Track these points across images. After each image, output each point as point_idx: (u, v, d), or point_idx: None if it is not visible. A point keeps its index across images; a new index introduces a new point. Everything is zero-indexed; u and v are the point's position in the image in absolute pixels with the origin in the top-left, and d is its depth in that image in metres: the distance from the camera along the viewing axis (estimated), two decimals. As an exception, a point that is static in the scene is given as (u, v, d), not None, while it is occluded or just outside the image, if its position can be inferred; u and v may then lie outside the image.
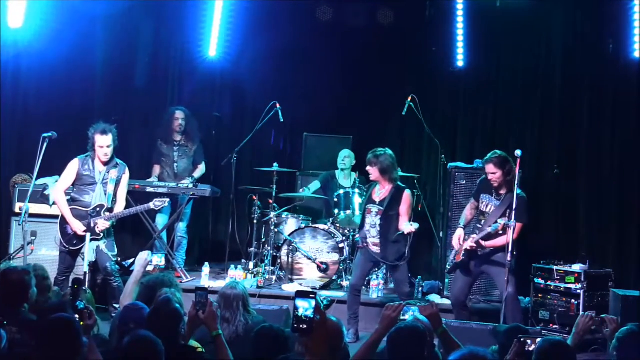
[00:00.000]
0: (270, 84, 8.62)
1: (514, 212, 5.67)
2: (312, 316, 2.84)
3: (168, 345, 3.28)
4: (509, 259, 5.71)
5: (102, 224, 6.16)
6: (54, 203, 7.01)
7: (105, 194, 6.26)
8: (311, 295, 2.88)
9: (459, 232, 6.13)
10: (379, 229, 6.25)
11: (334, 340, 3.20)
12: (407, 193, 6.29)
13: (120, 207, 6.36)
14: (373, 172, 6.28)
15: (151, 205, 6.47)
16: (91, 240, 6.11)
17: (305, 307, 2.86)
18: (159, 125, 8.07)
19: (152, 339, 3.18)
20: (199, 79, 8.76)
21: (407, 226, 6.04)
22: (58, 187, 6.39)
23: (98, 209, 6.23)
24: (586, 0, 8.16)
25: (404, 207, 6.23)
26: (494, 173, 5.91)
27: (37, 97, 8.02)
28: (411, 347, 3.29)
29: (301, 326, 2.86)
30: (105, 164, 6.32)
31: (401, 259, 6.21)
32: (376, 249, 6.30)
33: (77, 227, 6.18)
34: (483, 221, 6.03)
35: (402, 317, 3.57)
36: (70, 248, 6.24)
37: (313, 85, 8.85)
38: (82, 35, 8.10)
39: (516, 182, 5.79)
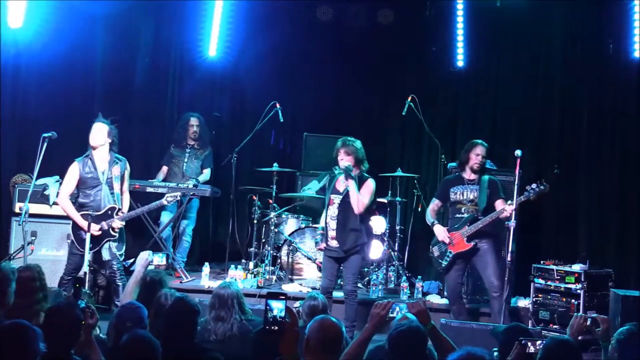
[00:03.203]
0: (270, 84, 8.61)
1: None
2: (283, 317, 2.82)
3: (184, 342, 3.27)
4: (509, 259, 5.76)
5: (117, 224, 6.07)
6: (54, 203, 7.02)
7: (113, 195, 6.13)
8: (282, 297, 2.86)
9: (441, 228, 6.21)
10: (337, 217, 6.01)
11: (334, 341, 3.20)
12: (370, 181, 6.05)
13: (126, 201, 6.26)
14: (348, 160, 5.96)
15: (163, 201, 6.43)
16: (106, 241, 6.07)
17: (279, 309, 2.84)
18: (173, 131, 8.18)
19: (149, 339, 3.18)
20: (199, 79, 8.76)
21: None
22: (62, 193, 6.20)
23: (110, 212, 6.08)
24: (586, 0, 8.16)
25: (364, 191, 5.95)
26: (484, 156, 6.26)
27: (37, 97, 8.02)
28: (412, 348, 3.27)
29: (272, 327, 2.84)
30: (106, 160, 6.16)
31: (356, 248, 5.98)
32: (335, 244, 6.02)
33: (92, 229, 5.96)
34: (463, 208, 6.19)
35: (390, 315, 3.55)
36: (85, 251, 6.04)
37: (313, 85, 8.86)
38: (82, 35, 8.11)
39: (516, 182, 6.04)
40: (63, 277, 6.10)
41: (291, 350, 2.86)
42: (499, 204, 6.13)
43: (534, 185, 5.98)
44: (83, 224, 5.99)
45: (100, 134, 6.18)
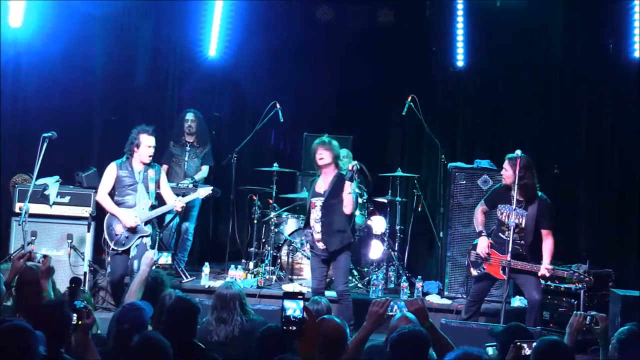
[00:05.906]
0: (270, 84, 8.60)
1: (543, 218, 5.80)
2: (301, 317, 2.82)
3: (184, 341, 3.26)
4: (508, 258, 5.72)
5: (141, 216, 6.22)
6: (54, 203, 7.04)
7: (148, 192, 6.31)
8: (299, 296, 2.85)
9: (485, 241, 5.92)
10: (321, 219, 5.91)
11: (337, 342, 3.19)
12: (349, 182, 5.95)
13: (169, 197, 6.44)
14: (326, 157, 5.91)
15: (175, 205, 6.46)
16: (140, 237, 6.20)
17: (293, 308, 2.83)
18: (172, 128, 8.21)
19: (160, 341, 3.17)
20: (199, 79, 8.76)
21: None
22: (100, 191, 6.36)
23: (144, 208, 6.27)
24: (586, 0, 8.16)
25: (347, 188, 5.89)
26: (506, 170, 5.83)
27: (37, 97, 8.02)
28: (415, 352, 3.26)
29: (290, 327, 2.83)
30: (144, 164, 6.33)
31: (342, 249, 5.92)
32: (321, 245, 5.95)
33: (128, 218, 6.17)
34: (507, 233, 5.78)
35: (389, 313, 3.54)
36: (121, 249, 6.19)
37: (313, 85, 8.84)
38: (82, 35, 8.11)
39: (516, 182, 5.74)
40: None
41: (310, 349, 2.85)
42: (544, 235, 5.83)
43: (581, 270, 5.78)
44: (121, 214, 6.19)
45: (153, 151, 6.36)
